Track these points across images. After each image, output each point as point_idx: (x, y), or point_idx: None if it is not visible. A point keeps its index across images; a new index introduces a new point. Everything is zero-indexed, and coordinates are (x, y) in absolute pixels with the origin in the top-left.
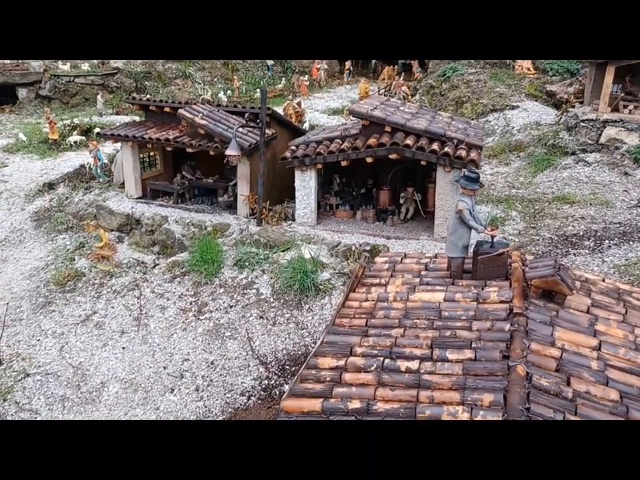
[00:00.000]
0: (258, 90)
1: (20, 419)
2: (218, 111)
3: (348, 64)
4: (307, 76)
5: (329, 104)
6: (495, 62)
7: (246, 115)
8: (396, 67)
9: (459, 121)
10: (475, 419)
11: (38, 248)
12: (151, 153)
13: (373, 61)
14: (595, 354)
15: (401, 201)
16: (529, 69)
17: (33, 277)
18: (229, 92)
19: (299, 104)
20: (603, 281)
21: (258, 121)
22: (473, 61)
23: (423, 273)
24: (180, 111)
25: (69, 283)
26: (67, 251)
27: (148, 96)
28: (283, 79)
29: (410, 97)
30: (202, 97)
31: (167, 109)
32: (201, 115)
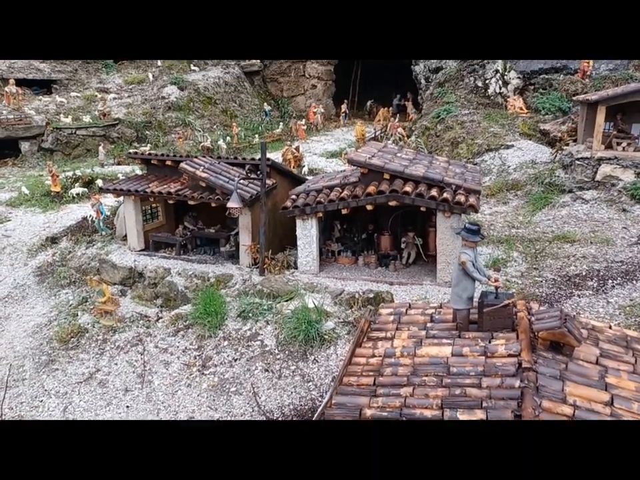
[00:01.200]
0: (256, 136)
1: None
2: (219, 163)
3: (344, 107)
4: (304, 120)
5: (327, 147)
6: (487, 102)
7: (246, 167)
8: (391, 108)
9: (456, 165)
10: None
11: (41, 304)
12: (153, 205)
13: (368, 103)
14: (608, 410)
15: (403, 245)
16: (521, 108)
17: (35, 334)
18: (228, 138)
19: (297, 149)
20: (610, 327)
21: (258, 172)
22: (465, 102)
23: (428, 324)
24: (181, 164)
25: (72, 339)
26: (70, 306)
27: (148, 146)
28: (281, 123)
29: (406, 138)
30: (202, 144)
31: (168, 162)
32: (202, 167)
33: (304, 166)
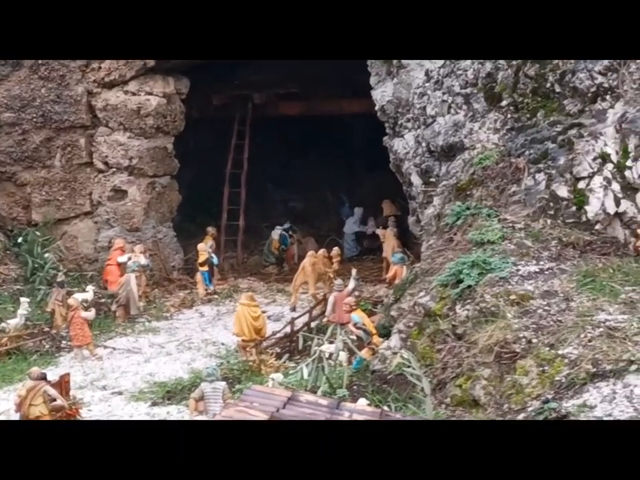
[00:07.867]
0: None
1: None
2: None
3: (203, 245)
4: (90, 289)
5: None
6: (587, 240)
7: None
8: (334, 249)
9: None
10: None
11: None
12: None
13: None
14: None
15: None
16: None
17: None
18: None
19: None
20: None
21: None
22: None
23: None
24: None
25: None
26: None
27: None
28: (25, 302)
29: (374, 337)
30: None
31: None
32: None
33: None
